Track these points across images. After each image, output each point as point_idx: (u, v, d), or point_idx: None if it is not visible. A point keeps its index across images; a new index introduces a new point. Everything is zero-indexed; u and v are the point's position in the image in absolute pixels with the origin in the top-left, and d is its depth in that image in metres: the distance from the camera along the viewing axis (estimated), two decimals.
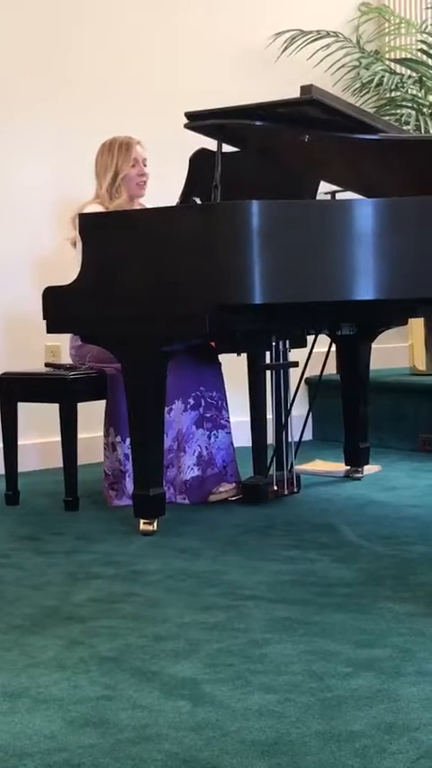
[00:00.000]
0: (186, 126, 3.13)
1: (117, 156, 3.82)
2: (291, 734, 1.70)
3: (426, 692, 1.86)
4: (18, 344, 4.36)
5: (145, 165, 3.88)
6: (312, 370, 3.98)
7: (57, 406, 3.57)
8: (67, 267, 3.56)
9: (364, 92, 5.39)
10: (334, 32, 5.31)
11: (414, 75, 5.39)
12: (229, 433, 3.77)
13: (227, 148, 3.17)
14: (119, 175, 3.82)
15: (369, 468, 4.12)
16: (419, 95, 5.36)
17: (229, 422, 3.78)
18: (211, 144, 3.15)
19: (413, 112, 5.24)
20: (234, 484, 3.72)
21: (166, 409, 3.46)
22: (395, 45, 5.75)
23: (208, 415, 3.70)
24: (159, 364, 3.16)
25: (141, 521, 3.19)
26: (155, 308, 3.07)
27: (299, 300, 3.04)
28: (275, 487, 3.65)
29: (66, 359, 4.11)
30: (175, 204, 3.44)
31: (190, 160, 3.45)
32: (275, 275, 2.95)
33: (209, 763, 1.61)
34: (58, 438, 3.57)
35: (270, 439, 3.80)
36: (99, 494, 3.74)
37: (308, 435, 4.81)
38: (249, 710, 1.80)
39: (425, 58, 5.41)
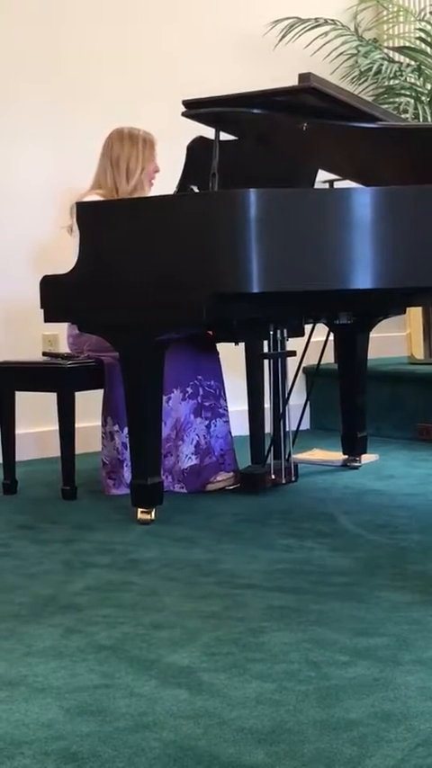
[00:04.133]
0: (184, 114, 3.11)
1: (142, 152, 3.75)
2: (288, 722, 1.70)
3: (423, 680, 1.86)
4: (16, 334, 4.35)
5: None
6: (310, 360, 3.98)
7: (54, 395, 3.57)
8: (65, 256, 3.54)
9: (362, 80, 5.38)
10: (332, 20, 5.30)
11: (413, 63, 5.37)
12: (227, 421, 3.77)
13: (225, 137, 3.16)
14: (142, 171, 3.76)
15: (366, 458, 4.12)
16: (418, 84, 5.34)
17: (227, 411, 3.78)
18: (208, 132, 3.14)
19: (411, 101, 5.22)
20: (232, 473, 3.72)
21: (165, 398, 3.46)
22: (394, 33, 5.74)
23: (206, 404, 3.70)
24: (157, 353, 3.16)
25: (139, 509, 3.20)
26: (152, 296, 3.06)
27: (297, 289, 3.04)
28: (273, 476, 3.65)
29: (63, 348, 4.10)
30: (172, 193, 3.43)
31: (188, 148, 3.44)
32: (273, 264, 2.94)
33: (206, 751, 1.61)
34: (56, 427, 3.57)
35: (268, 428, 3.80)
36: (97, 483, 3.74)
37: (305, 424, 4.80)
38: (247, 699, 1.81)
39: (423, 46, 5.39)
